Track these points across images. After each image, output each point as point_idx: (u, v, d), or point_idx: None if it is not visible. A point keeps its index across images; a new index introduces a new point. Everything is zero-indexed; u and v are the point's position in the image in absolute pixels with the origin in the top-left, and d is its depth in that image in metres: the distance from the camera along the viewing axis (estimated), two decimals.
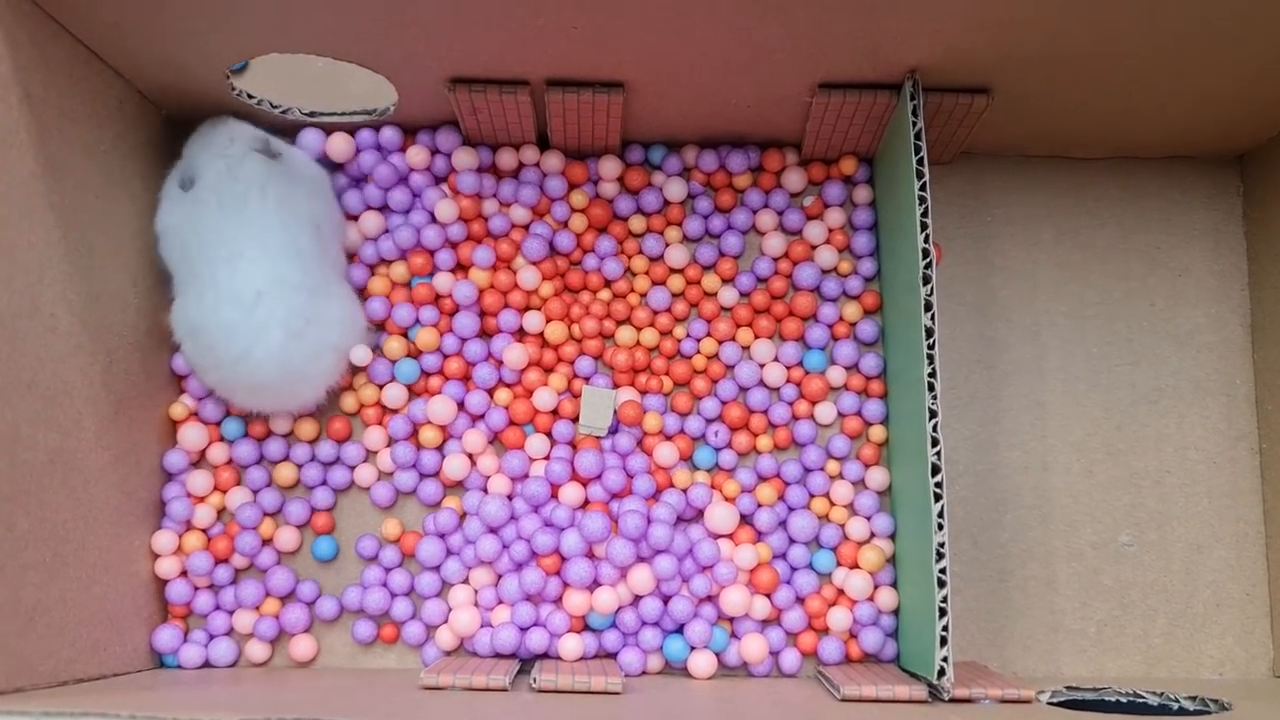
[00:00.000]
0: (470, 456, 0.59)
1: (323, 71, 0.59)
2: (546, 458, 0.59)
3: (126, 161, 0.55)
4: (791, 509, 0.59)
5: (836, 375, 0.60)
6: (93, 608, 0.51)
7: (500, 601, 0.57)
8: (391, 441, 0.60)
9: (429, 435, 0.59)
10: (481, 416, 0.60)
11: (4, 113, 0.45)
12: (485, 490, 0.59)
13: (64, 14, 0.48)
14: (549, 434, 0.60)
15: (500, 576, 0.57)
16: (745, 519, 0.59)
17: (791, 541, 0.59)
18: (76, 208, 0.51)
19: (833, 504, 0.59)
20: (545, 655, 0.56)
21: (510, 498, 0.58)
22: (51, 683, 0.47)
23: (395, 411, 0.60)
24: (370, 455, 0.60)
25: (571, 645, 0.55)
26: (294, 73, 0.59)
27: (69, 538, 0.49)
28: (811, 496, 0.59)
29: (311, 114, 0.60)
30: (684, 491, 0.59)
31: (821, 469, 0.60)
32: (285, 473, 0.59)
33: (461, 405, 0.60)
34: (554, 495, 0.58)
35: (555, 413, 0.60)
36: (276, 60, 0.54)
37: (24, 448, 0.46)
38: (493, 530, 0.57)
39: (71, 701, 0.40)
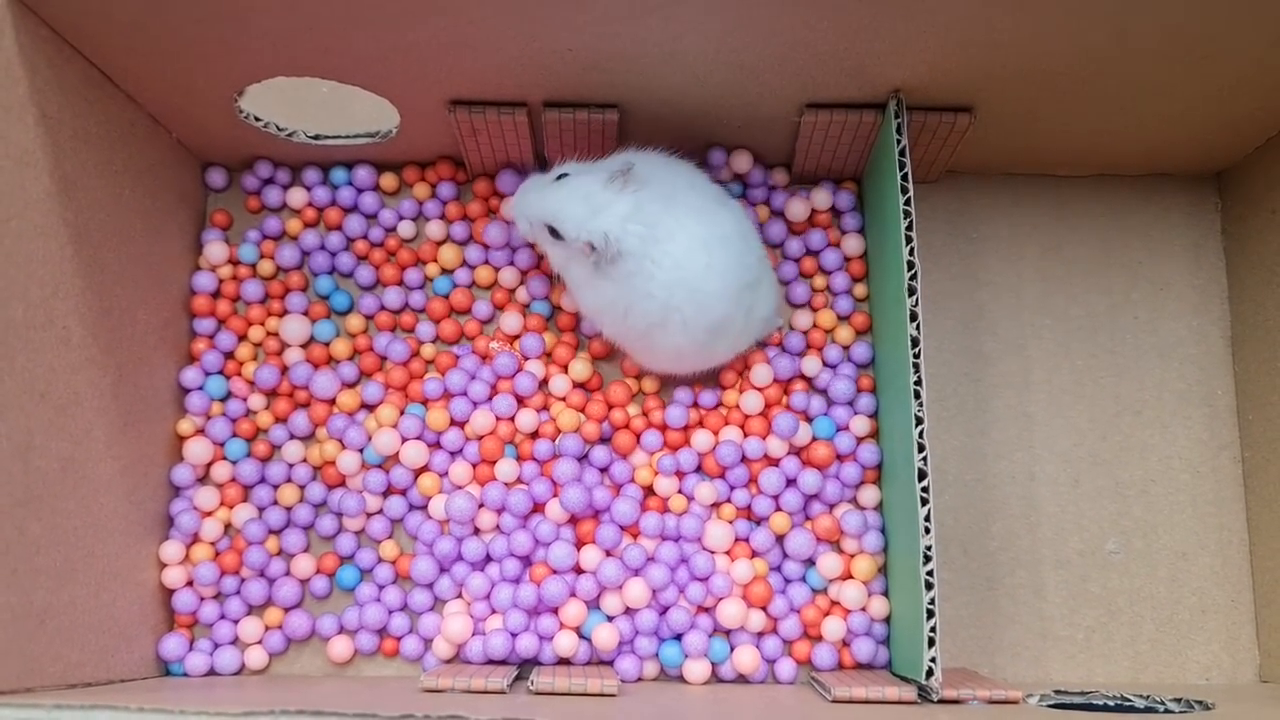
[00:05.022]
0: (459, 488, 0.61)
1: (327, 95, 0.61)
2: (520, 480, 0.60)
3: (137, 182, 0.57)
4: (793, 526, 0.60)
5: (845, 441, 0.61)
6: (101, 614, 0.52)
7: (493, 610, 0.58)
8: (390, 491, 0.61)
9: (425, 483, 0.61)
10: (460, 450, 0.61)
11: (21, 133, 0.47)
12: (474, 525, 0.60)
13: (79, 39, 0.50)
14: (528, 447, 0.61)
15: (494, 585, 0.59)
16: (741, 538, 0.60)
17: (785, 557, 0.60)
18: (89, 226, 0.52)
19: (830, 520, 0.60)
20: (537, 661, 0.57)
21: (481, 505, 0.59)
22: (59, 685, 0.49)
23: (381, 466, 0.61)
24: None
25: (566, 643, 0.57)
26: (299, 96, 0.61)
27: (79, 544, 0.51)
28: (808, 518, 0.60)
29: (316, 137, 0.62)
30: (679, 515, 0.60)
31: (816, 496, 0.60)
32: (288, 493, 0.61)
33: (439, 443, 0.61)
34: (540, 510, 0.60)
35: (535, 435, 0.61)
36: (282, 84, 0.56)
37: (37, 455, 0.48)
38: (477, 531, 0.59)
39: (80, 697, 0.41)
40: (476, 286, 0.64)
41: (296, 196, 0.64)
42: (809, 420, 0.61)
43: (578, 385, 0.62)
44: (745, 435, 0.60)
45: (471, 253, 0.64)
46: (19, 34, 0.47)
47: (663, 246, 0.53)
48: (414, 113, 0.58)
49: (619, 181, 0.52)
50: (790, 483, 0.60)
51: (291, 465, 0.61)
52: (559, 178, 0.54)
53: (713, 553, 0.59)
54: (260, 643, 0.59)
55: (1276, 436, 0.59)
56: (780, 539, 0.60)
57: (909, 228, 0.53)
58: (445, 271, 0.64)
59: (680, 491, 0.60)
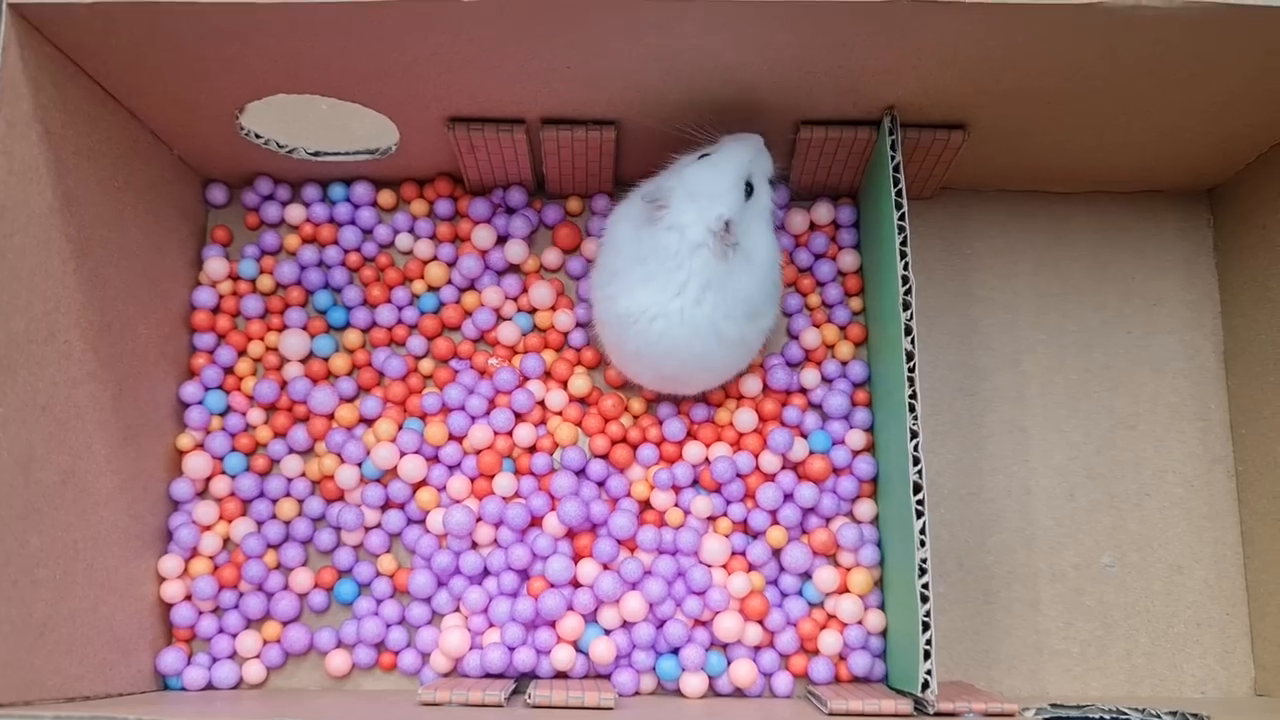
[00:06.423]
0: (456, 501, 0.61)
1: (327, 112, 0.62)
2: (518, 494, 0.61)
3: (139, 198, 0.57)
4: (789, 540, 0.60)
5: (841, 455, 0.61)
6: (100, 627, 0.53)
7: (491, 624, 0.59)
8: (389, 505, 0.61)
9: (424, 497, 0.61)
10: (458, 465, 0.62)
11: (25, 149, 0.48)
12: (472, 539, 0.60)
13: (82, 56, 0.51)
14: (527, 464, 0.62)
15: (491, 598, 0.59)
16: (738, 552, 0.60)
17: (782, 570, 0.60)
18: (90, 241, 0.53)
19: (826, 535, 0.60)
20: (534, 674, 0.57)
21: (479, 519, 0.60)
22: (58, 698, 0.49)
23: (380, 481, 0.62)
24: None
25: (564, 656, 0.57)
26: (299, 113, 0.62)
27: (79, 557, 0.51)
28: (805, 532, 0.61)
29: (316, 153, 0.62)
30: (676, 529, 0.60)
31: (813, 509, 0.60)
32: (287, 508, 0.61)
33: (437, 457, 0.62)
34: (538, 524, 0.60)
35: (533, 449, 0.62)
36: (283, 101, 0.56)
37: (38, 468, 0.48)
38: (474, 545, 0.59)
39: (80, 710, 0.41)
40: (475, 304, 0.65)
41: (296, 213, 0.65)
42: (804, 435, 0.61)
43: (575, 400, 0.62)
44: (740, 450, 0.61)
45: (470, 269, 0.64)
46: (23, 51, 0.47)
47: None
48: (413, 130, 0.59)
49: (725, 239, 0.53)
50: (787, 497, 0.60)
51: (290, 479, 0.62)
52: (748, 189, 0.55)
53: (709, 566, 0.59)
54: (258, 657, 0.59)
55: (1269, 450, 0.60)
56: (777, 553, 0.60)
57: (904, 243, 0.53)
58: (437, 289, 0.65)
59: (677, 505, 0.60)
